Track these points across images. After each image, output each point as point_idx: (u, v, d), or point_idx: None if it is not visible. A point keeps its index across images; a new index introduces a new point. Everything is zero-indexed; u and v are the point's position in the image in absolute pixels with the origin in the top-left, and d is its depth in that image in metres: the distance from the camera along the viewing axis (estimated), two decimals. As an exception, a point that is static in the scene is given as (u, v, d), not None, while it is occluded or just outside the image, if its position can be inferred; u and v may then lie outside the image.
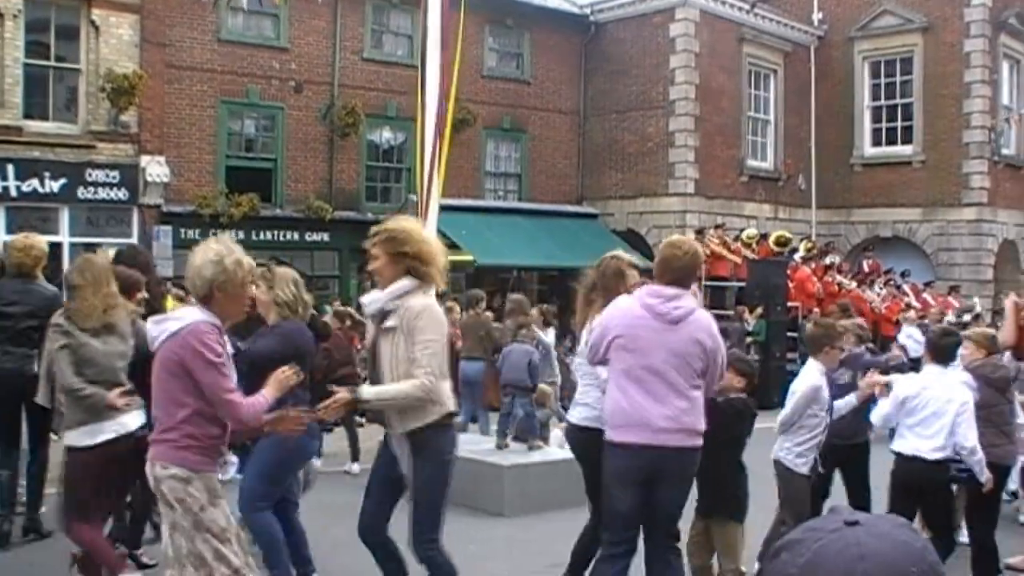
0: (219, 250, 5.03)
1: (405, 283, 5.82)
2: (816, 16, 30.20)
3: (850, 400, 7.87)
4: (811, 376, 7.31)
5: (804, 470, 7.21)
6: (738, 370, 6.79)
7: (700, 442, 5.97)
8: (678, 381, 5.91)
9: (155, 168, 20.60)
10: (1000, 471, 7.60)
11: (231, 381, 4.98)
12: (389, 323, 5.77)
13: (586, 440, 6.66)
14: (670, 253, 6.23)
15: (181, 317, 5.00)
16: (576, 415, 6.95)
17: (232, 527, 5.06)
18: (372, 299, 5.95)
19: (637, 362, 5.94)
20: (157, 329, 4.98)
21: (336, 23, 24.00)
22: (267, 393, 5.18)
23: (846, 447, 8.02)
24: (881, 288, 24.16)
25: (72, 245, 19.18)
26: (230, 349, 5.30)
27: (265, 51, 23.21)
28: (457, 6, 11.56)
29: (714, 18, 27.27)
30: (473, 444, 11.46)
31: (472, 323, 15.25)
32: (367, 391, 5.78)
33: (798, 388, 7.29)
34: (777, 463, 7.32)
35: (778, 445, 7.36)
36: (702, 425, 5.97)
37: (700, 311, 6.18)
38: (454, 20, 11.35)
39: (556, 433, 11.96)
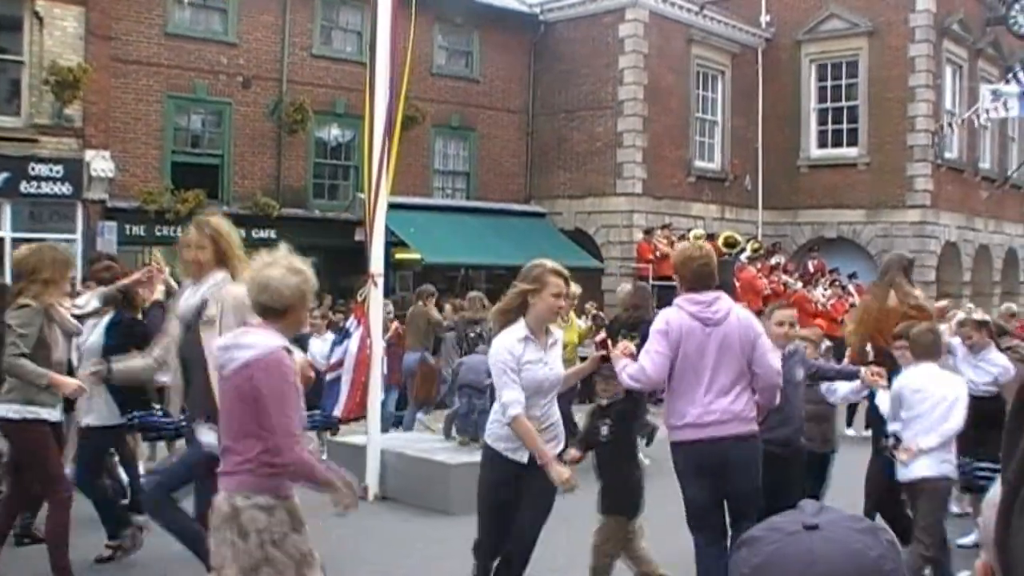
0: (295, 262, 4.78)
1: (222, 275, 6.00)
2: (764, 19, 30.41)
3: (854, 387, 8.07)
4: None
5: None
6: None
7: (755, 428, 6.55)
8: (726, 380, 6.41)
9: (100, 163, 20.37)
10: None
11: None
12: (209, 312, 5.86)
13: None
14: (690, 259, 6.68)
15: (253, 344, 4.59)
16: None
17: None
18: (188, 295, 5.97)
19: (692, 365, 6.39)
20: (226, 355, 4.63)
21: (285, 19, 23.85)
22: None
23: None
24: (826, 288, 24.36)
25: (14, 240, 18.91)
26: None
27: (213, 46, 23.02)
28: (408, 3, 11.53)
29: (663, 19, 27.38)
30: (420, 443, 11.45)
31: (415, 315, 15.47)
32: None
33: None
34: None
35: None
36: (754, 413, 6.55)
37: (736, 308, 6.65)
38: (404, 17, 11.31)
39: None
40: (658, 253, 23.93)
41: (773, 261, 25.24)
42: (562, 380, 6.45)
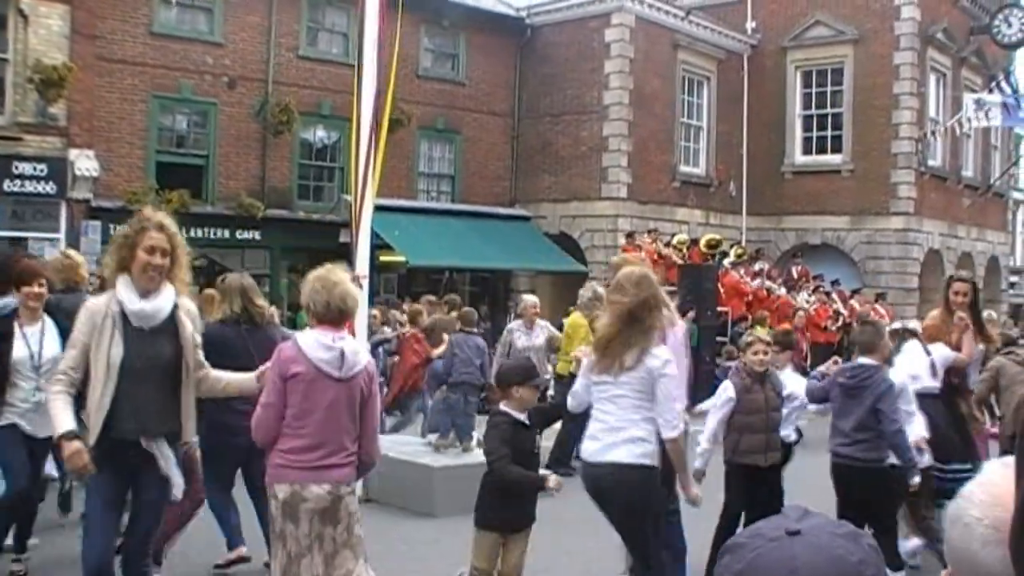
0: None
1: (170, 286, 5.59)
2: (750, 25, 30.49)
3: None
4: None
5: None
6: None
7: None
8: None
9: (84, 162, 20.29)
10: None
11: None
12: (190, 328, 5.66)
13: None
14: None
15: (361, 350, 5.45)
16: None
17: None
18: (157, 307, 5.43)
19: None
20: (355, 359, 5.30)
21: (271, 19, 23.82)
22: None
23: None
24: (810, 295, 24.43)
25: (-3, 238, 18.89)
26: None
27: (199, 46, 22.97)
28: (395, 5, 11.51)
29: (649, 24, 27.43)
30: (403, 445, 11.44)
31: (444, 323, 15.43)
32: None
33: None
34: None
35: None
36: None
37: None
38: (391, 19, 11.29)
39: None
40: (642, 257, 23.94)
41: (757, 267, 25.29)
42: None
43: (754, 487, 7.89)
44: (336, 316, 5.30)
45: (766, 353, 7.97)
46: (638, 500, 5.90)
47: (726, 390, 7.98)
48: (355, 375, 5.25)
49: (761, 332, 8.78)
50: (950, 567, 1.53)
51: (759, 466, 7.85)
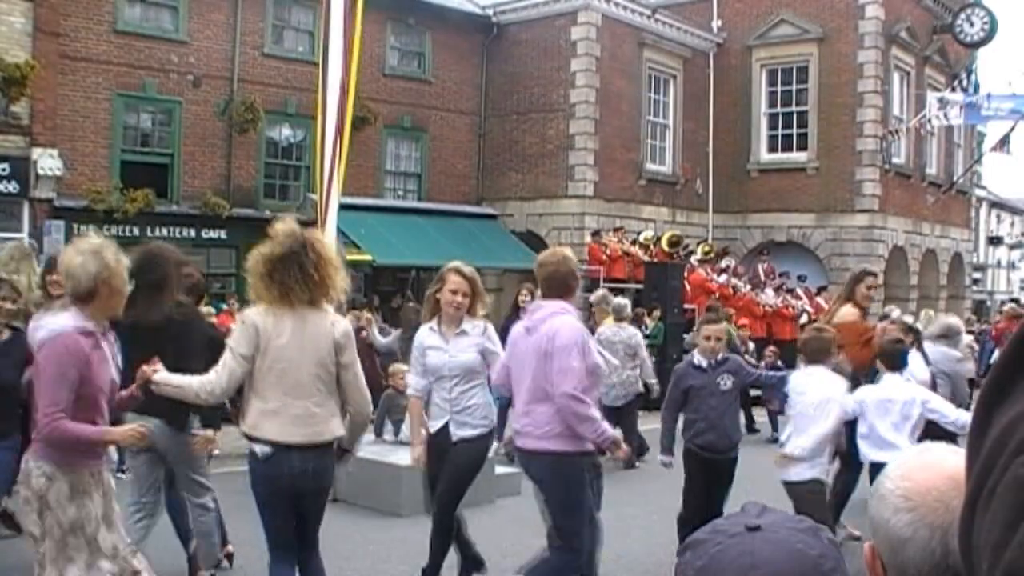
0: (97, 244, 5.12)
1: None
2: (715, 23, 30.61)
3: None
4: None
5: None
6: None
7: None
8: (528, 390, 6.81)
9: (47, 161, 20.13)
10: None
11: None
12: None
13: None
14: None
15: (46, 325, 5.11)
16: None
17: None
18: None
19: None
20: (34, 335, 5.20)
21: (236, 17, 23.70)
22: None
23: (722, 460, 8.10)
24: (775, 292, 24.56)
25: (-41, 238, 18.67)
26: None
27: (163, 44, 22.82)
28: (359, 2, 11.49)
29: (615, 23, 27.48)
30: (371, 445, 11.40)
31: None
32: None
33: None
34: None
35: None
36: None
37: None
38: (353, 17, 11.28)
39: None
40: (609, 254, 24.03)
41: (723, 264, 25.41)
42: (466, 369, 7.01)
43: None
44: (70, 296, 5.21)
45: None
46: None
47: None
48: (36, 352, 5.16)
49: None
50: (872, 537, 1.61)
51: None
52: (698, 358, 8.06)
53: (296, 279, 5.45)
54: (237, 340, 5.49)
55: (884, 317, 12.45)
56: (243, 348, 5.43)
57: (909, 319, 13.13)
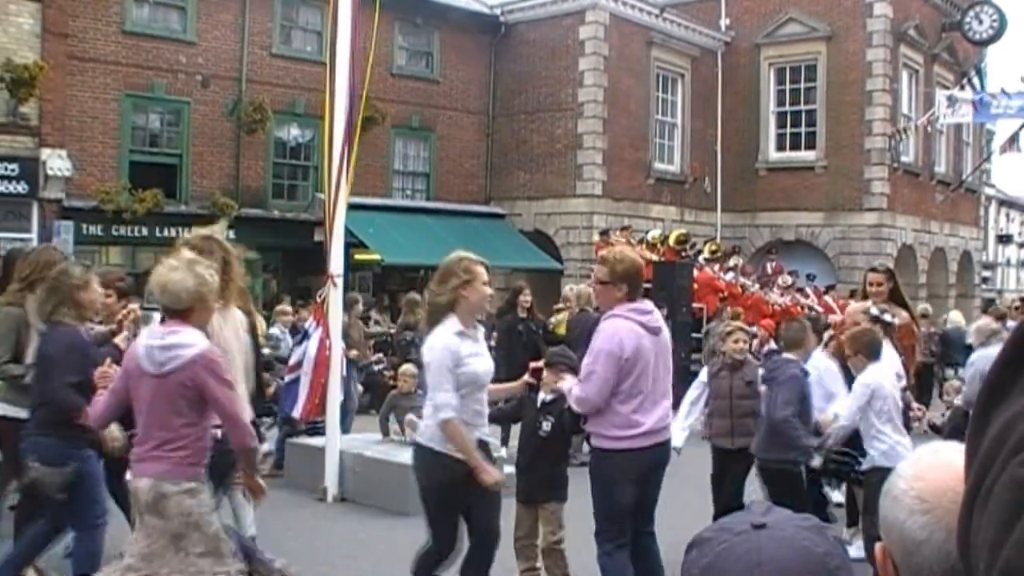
0: (192, 259, 5.32)
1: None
2: (723, 22, 30.58)
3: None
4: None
5: None
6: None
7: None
8: (665, 385, 6.61)
9: (56, 162, 20.17)
10: None
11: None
12: None
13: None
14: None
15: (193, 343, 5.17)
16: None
17: None
18: None
19: (642, 373, 6.38)
20: (166, 355, 5.10)
21: (244, 17, 23.74)
22: None
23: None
24: (781, 294, 24.49)
25: (-31, 239, 18.73)
26: None
27: (171, 44, 22.86)
28: (370, 3, 11.51)
29: (623, 22, 27.48)
30: (378, 444, 11.42)
31: None
32: None
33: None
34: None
35: None
36: None
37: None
38: (365, 17, 11.28)
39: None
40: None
41: (731, 263, 25.35)
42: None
43: (727, 467, 8.62)
44: (163, 310, 5.33)
45: (745, 342, 8.32)
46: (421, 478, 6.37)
47: (700, 375, 8.84)
48: (170, 371, 5.11)
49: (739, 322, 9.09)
50: (883, 538, 1.58)
51: (727, 448, 8.55)
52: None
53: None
54: None
55: (924, 316, 12.39)
56: None
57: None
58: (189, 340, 5.16)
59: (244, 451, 5.44)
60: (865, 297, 9.08)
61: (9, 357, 6.95)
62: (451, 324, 6.11)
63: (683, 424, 8.46)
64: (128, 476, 5.32)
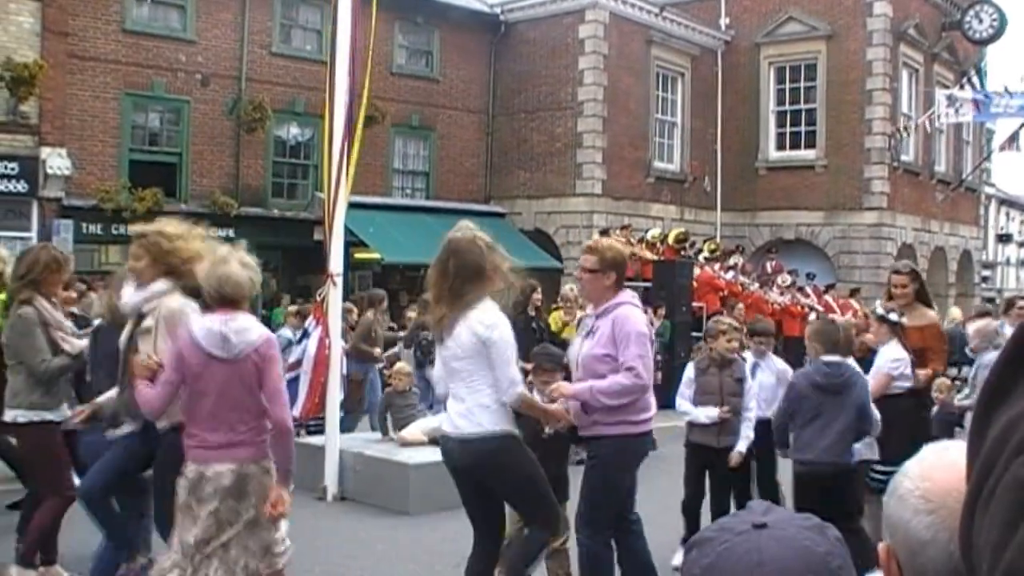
0: (246, 258, 5.59)
1: (161, 285, 6.06)
2: (723, 21, 30.58)
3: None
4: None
5: None
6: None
7: None
8: None
9: (56, 160, 20.17)
10: None
11: None
12: (147, 323, 5.98)
13: None
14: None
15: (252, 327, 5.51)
16: None
17: None
18: (128, 297, 6.13)
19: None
20: (239, 339, 5.38)
21: (244, 16, 23.74)
22: None
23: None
24: (780, 293, 24.49)
25: (-32, 238, 18.72)
26: None
27: (171, 43, 22.86)
28: (369, 2, 11.49)
29: (623, 21, 27.47)
30: (379, 443, 11.41)
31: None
32: None
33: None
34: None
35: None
36: None
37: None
38: (365, 16, 11.27)
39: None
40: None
41: (731, 261, 25.36)
42: None
43: (710, 467, 8.31)
44: (219, 300, 5.44)
45: (738, 341, 8.26)
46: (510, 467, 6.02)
47: (687, 371, 8.52)
48: (242, 355, 5.35)
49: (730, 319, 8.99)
50: (887, 537, 1.59)
51: (711, 447, 8.23)
52: None
53: None
54: None
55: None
56: None
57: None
58: (251, 324, 5.48)
59: (286, 436, 5.52)
60: (890, 298, 9.00)
61: (50, 354, 7.01)
62: (492, 303, 6.19)
63: (711, 414, 8.21)
64: (192, 464, 5.38)
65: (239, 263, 5.46)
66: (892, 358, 8.17)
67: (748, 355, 8.92)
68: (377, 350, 14.53)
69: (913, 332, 8.54)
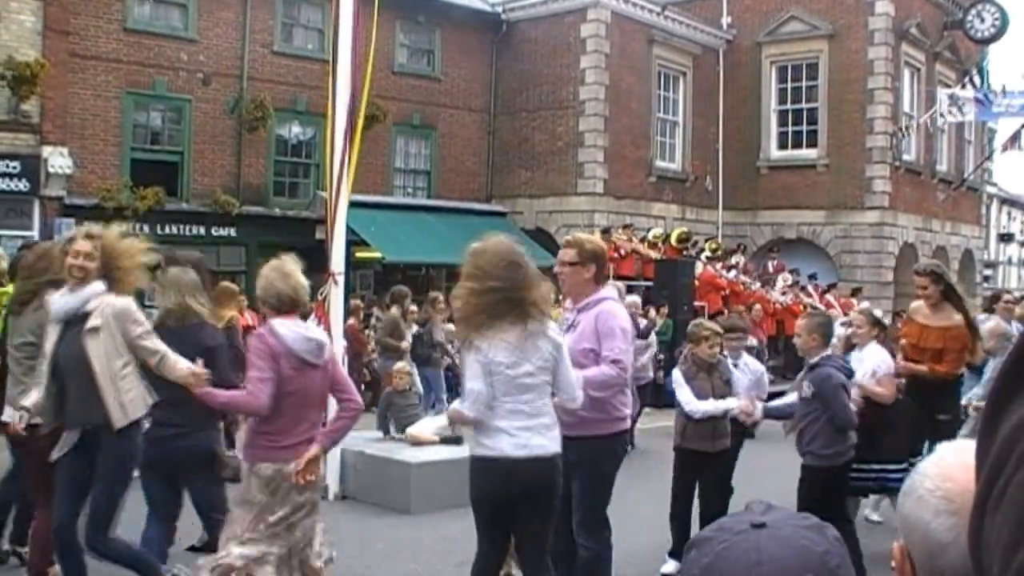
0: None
1: (99, 285, 6.08)
2: (725, 20, 30.57)
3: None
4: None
5: None
6: None
7: None
8: None
9: (57, 159, 20.17)
10: None
11: None
12: (92, 323, 5.94)
13: None
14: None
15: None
16: None
17: None
18: (60, 303, 6.08)
19: None
20: (325, 346, 5.78)
21: (246, 15, 23.72)
22: None
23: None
24: (782, 293, 24.50)
25: (-30, 236, 18.73)
26: None
27: (172, 42, 22.85)
28: (370, 1, 11.49)
29: (625, 20, 27.46)
30: (380, 442, 11.41)
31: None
32: None
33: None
34: None
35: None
36: None
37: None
38: (366, 15, 11.27)
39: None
40: (621, 252, 23.99)
41: (733, 261, 25.37)
42: None
43: (702, 472, 8.12)
44: (290, 307, 5.65)
45: (721, 347, 8.16)
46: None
47: (675, 377, 8.23)
48: (327, 360, 5.75)
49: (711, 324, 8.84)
50: (902, 538, 1.57)
51: (706, 452, 8.04)
52: None
53: None
54: None
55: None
56: None
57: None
58: (321, 331, 5.97)
59: (358, 415, 5.98)
60: (916, 299, 8.97)
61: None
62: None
63: (739, 404, 8.07)
64: (264, 463, 5.55)
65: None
66: (880, 359, 8.20)
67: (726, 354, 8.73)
68: (404, 343, 14.75)
69: (935, 332, 8.53)
